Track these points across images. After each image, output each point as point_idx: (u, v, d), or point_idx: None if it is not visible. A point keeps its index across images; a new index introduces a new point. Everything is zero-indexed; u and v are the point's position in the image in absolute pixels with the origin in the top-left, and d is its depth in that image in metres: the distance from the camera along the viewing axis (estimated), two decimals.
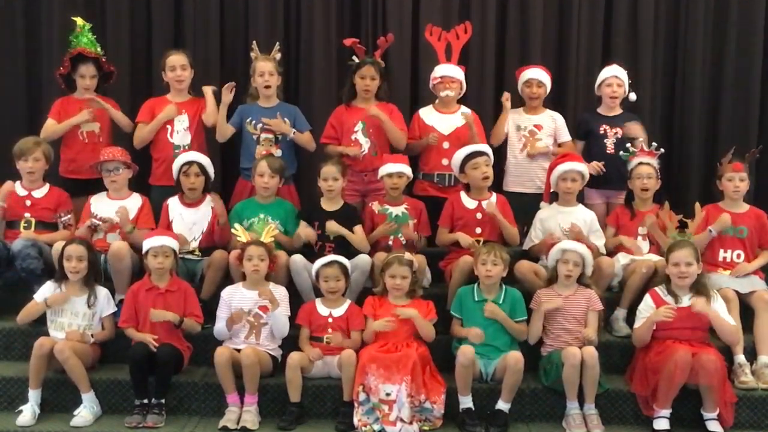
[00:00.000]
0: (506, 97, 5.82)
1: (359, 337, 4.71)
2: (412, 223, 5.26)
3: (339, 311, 4.76)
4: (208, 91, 5.63)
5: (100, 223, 5.18)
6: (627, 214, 5.33)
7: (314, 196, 5.33)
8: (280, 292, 4.80)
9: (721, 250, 5.18)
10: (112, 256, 4.94)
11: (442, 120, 5.65)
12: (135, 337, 4.65)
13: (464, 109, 5.65)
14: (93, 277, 4.79)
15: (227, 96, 5.51)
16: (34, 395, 4.54)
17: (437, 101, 5.75)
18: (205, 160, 5.31)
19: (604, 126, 5.70)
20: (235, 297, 4.76)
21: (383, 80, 5.62)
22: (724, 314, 4.66)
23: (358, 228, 5.11)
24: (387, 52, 6.20)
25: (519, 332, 4.73)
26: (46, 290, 4.76)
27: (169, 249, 4.76)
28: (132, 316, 4.70)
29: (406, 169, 5.27)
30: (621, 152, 5.43)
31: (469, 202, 5.24)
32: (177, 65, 5.59)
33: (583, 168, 5.26)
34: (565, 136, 5.79)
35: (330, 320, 4.75)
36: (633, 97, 5.84)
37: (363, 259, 4.98)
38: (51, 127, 5.56)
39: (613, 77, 5.75)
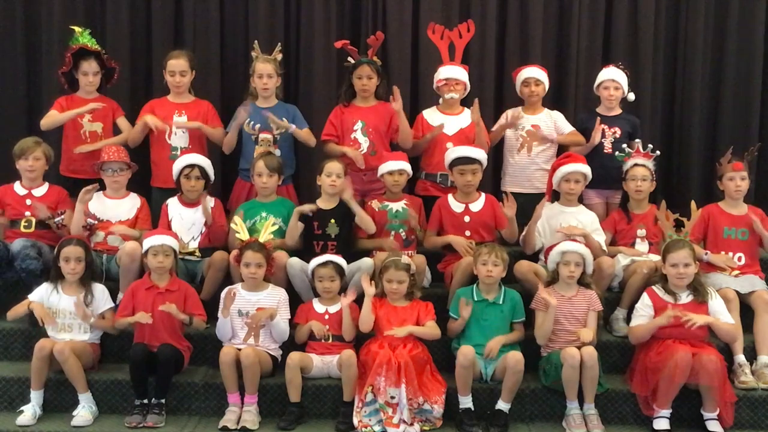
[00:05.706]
0: (517, 114, 5.61)
1: (353, 333, 4.71)
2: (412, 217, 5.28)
3: (335, 308, 4.77)
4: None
5: (95, 222, 5.19)
6: (624, 219, 5.31)
7: (314, 196, 5.30)
8: (280, 296, 4.79)
9: (722, 252, 5.16)
10: (126, 255, 4.92)
11: (446, 121, 5.62)
12: (127, 320, 4.62)
13: (472, 113, 5.56)
14: (90, 276, 4.77)
15: (243, 116, 5.44)
16: (36, 396, 4.55)
17: (441, 102, 5.74)
18: (206, 163, 5.30)
19: (602, 126, 5.66)
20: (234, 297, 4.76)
21: (381, 78, 5.61)
22: (722, 312, 4.65)
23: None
24: (387, 53, 6.21)
25: (516, 340, 4.76)
26: (42, 291, 4.75)
27: (169, 248, 4.76)
28: (129, 312, 4.68)
29: (407, 167, 5.29)
30: (617, 153, 5.42)
31: (456, 206, 5.23)
32: (177, 71, 5.56)
33: (586, 169, 5.25)
34: (567, 128, 5.74)
35: (326, 317, 4.76)
36: (631, 97, 5.83)
37: (366, 262, 4.96)
38: (52, 116, 5.51)
39: (610, 81, 5.72)
